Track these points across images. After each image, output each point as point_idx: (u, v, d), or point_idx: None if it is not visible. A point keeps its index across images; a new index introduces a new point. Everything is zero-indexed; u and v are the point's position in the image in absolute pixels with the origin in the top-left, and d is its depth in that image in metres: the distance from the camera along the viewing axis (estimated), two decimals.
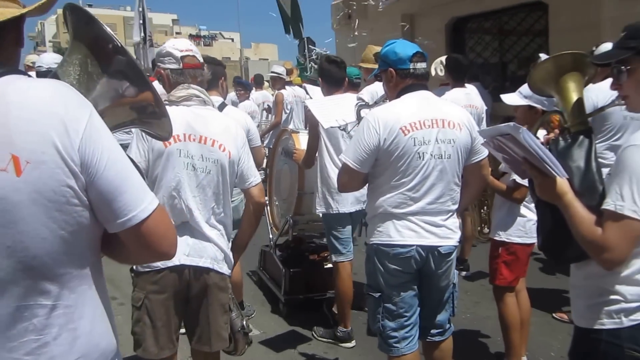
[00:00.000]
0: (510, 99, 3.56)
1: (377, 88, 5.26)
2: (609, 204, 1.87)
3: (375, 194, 3.03)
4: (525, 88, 3.56)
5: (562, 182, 1.97)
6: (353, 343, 4.41)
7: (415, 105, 2.96)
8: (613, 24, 7.63)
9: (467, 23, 11.32)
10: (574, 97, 2.22)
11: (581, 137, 2.10)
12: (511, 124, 1.93)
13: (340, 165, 3.11)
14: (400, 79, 3.03)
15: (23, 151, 1.23)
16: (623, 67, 1.99)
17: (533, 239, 3.56)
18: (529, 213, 3.61)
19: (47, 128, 1.25)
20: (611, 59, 2.04)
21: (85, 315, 1.33)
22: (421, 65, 3.02)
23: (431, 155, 2.91)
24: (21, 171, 1.22)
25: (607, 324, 1.97)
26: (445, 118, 2.97)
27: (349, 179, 3.05)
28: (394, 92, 3.08)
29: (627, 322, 1.93)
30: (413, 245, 2.95)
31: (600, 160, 2.13)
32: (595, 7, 8.08)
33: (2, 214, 1.23)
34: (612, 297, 1.96)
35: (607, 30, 7.76)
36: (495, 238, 3.73)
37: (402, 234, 2.94)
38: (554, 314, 4.77)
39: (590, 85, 3.73)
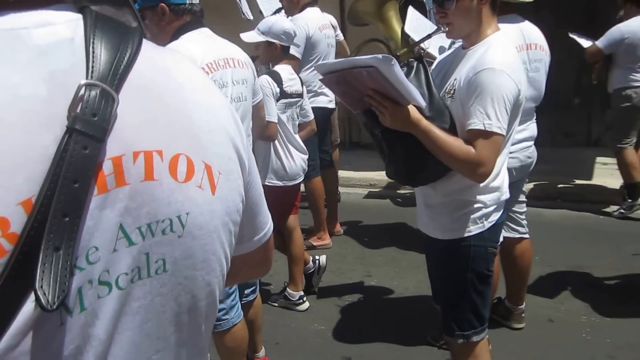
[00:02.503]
0: (249, 36, 3.70)
1: None
2: (477, 124, 2.24)
3: None
4: (262, 24, 3.77)
5: (414, 110, 2.24)
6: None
7: (205, 44, 2.82)
8: None
9: None
10: (397, 26, 2.46)
11: (416, 63, 2.36)
12: (379, 56, 2.08)
13: None
14: (175, 16, 2.79)
15: (215, 157, 0.90)
16: None
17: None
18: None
19: (225, 122, 0.94)
20: None
21: None
22: (197, 1, 2.85)
23: (232, 98, 2.86)
24: (215, 186, 0.89)
25: (474, 230, 2.42)
26: (235, 57, 2.92)
27: None
28: (167, 32, 2.82)
29: (487, 224, 2.42)
30: None
31: None
32: None
33: (197, 249, 0.88)
34: (475, 206, 2.40)
35: None
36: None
37: None
38: None
39: None
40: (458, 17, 2.35)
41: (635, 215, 5.79)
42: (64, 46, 0.77)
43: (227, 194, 0.91)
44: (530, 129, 3.54)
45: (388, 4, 2.49)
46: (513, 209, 3.58)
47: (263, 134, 3.55)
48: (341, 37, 5.79)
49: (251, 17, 5.64)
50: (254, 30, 3.77)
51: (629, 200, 5.86)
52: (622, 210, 5.85)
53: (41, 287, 0.67)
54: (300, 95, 4.04)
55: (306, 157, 4.12)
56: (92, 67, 0.77)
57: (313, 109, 4.48)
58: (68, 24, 0.79)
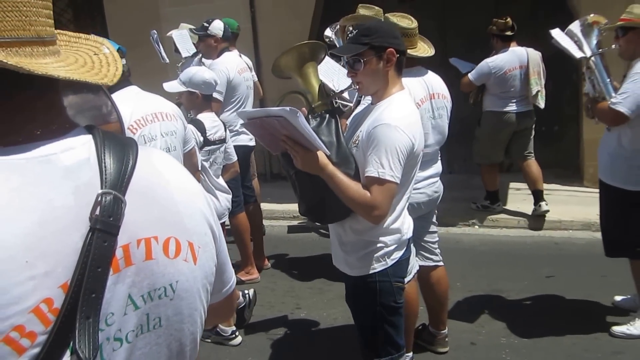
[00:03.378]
0: (171, 86, 3.96)
1: None
2: (372, 172, 2.58)
3: None
4: (183, 75, 4.05)
5: (323, 156, 2.55)
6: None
7: (133, 101, 3.04)
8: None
9: None
10: (314, 82, 2.75)
11: (327, 116, 2.69)
12: (287, 108, 2.38)
13: None
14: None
15: (195, 235, 1.19)
16: (360, 59, 2.58)
17: None
18: None
19: (200, 205, 1.23)
20: (350, 53, 2.66)
21: None
22: (125, 62, 3.07)
23: (161, 150, 3.07)
24: (197, 258, 1.18)
25: (378, 267, 2.77)
26: (162, 110, 3.15)
27: None
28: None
29: (390, 262, 2.75)
30: None
31: None
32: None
33: (184, 308, 1.17)
34: (378, 245, 2.75)
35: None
36: None
37: None
38: None
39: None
40: (366, 77, 2.70)
41: (546, 239, 6.28)
42: (83, 164, 1.06)
43: (205, 262, 1.22)
44: (436, 166, 3.92)
45: (308, 63, 2.79)
46: (425, 239, 3.95)
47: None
48: (255, 78, 6.20)
49: (167, 61, 5.90)
50: (176, 80, 4.00)
51: (488, 202, 7.00)
52: (479, 205, 7.03)
53: (79, 346, 0.95)
54: (224, 140, 4.30)
55: (230, 196, 4.34)
56: (105, 178, 1.05)
57: (235, 147, 4.76)
58: (84, 146, 1.08)
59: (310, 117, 2.71)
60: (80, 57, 1.16)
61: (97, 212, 1.01)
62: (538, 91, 6.48)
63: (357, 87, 2.75)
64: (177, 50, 6.15)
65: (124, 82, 3.01)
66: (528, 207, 6.82)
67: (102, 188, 1.04)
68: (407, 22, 3.70)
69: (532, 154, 6.79)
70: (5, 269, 0.91)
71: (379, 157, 2.55)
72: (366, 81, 2.72)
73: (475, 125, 6.91)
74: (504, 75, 6.44)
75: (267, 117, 2.48)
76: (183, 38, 6.00)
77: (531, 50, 6.54)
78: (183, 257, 1.15)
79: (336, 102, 4.11)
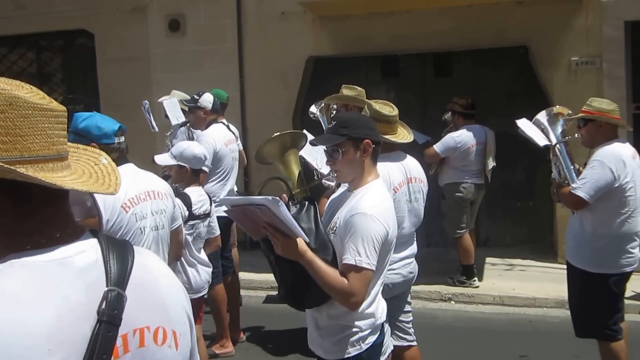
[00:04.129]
0: (162, 159, 4.11)
1: None
2: (349, 259, 2.70)
3: None
4: (174, 149, 4.21)
5: (302, 242, 2.68)
6: None
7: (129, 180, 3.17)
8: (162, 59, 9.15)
9: None
10: (295, 169, 2.92)
11: (307, 203, 2.83)
12: (269, 197, 2.53)
13: None
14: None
15: (177, 325, 1.39)
16: (338, 149, 2.76)
17: None
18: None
19: (181, 299, 1.44)
20: (329, 143, 2.83)
21: None
22: (124, 139, 3.24)
23: (150, 228, 3.20)
24: (178, 344, 1.37)
25: (352, 352, 2.86)
26: (154, 189, 3.28)
27: None
28: None
29: (364, 346, 2.85)
30: None
31: None
32: (142, 41, 9.14)
33: None
34: (353, 330, 2.86)
35: (157, 63, 9.15)
36: None
37: None
38: None
39: None
40: (344, 166, 2.87)
41: (520, 316, 6.40)
42: (92, 265, 1.26)
43: (183, 348, 1.41)
44: (411, 247, 4.08)
45: (289, 150, 2.96)
46: (400, 318, 4.07)
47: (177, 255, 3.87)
48: (241, 147, 6.41)
49: (157, 130, 6.09)
50: (167, 153, 4.16)
51: (463, 277, 7.13)
52: (456, 281, 7.16)
53: None
54: (208, 215, 4.43)
55: (210, 269, 4.44)
56: (110, 277, 1.25)
57: (217, 217, 4.85)
58: (92, 249, 1.28)
59: (290, 203, 2.86)
60: (85, 169, 1.37)
61: (104, 306, 1.21)
62: (493, 166, 7.08)
63: (335, 174, 2.91)
64: (166, 116, 6.34)
65: (121, 159, 3.13)
66: (504, 284, 6.97)
67: (107, 286, 1.24)
68: (388, 109, 3.91)
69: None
70: (31, 355, 1.10)
71: (355, 245, 2.70)
72: (344, 169, 2.90)
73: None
74: (467, 150, 6.97)
75: (250, 206, 2.63)
76: (173, 106, 6.20)
77: (487, 129, 7.13)
78: (168, 344, 1.35)
79: (318, 177, 4.29)
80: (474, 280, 7.13)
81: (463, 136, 6.97)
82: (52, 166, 1.24)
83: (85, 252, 1.27)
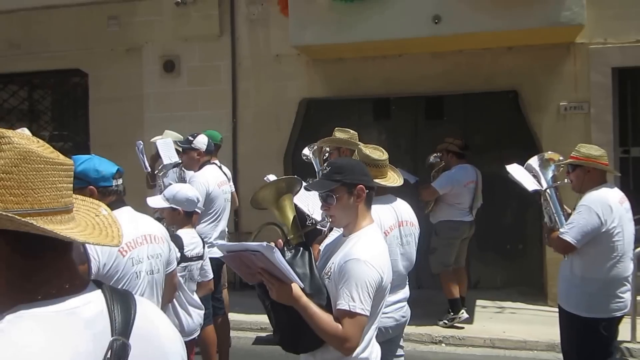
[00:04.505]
0: (155, 202, 4.16)
1: None
2: (343, 305, 2.73)
3: None
4: (167, 191, 4.27)
5: (297, 287, 2.71)
6: None
7: (126, 224, 3.20)
8: (155, 99, 9.26)
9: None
10: (290, 214, 2.96)
11: (301, 249, 2.88)
12: (264, 243, 2.59)
13: None
14: (102, 197, 3.15)
15: None
16: (333, 194, 2.81)
17: None
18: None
19: (179, 347, 1.49)
20: (323, 189, 2.89)
21: None
22: (121, 182, 3.27)
23: (146, 272, 3.22)
24: None
25: None
26: (151, 233, 3.31)
27: None
28: None
29: None
30: None
31: None
32: (136, 81, 9.27)
33: None
34: None
35: (151, 103, 9.26)
36: None
37: None
38: None
39: None
40: (338, 211, 2.92)
41: (511, 359, 6.40)
42: (98, 316, 1.31)
43: None
44: (403, 291, 4.09)
45: (284, 196, 3.01)
46: None
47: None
48: (233, 188, 6.44)
49: (149, 170, 6.14)
50: (159, 195, 4.20)
51: (451, 313, 7.17)
52: (446, 321, 7.20)
53: None
54: (201, 257, 4.46)
55: (203, 312, 4.44)
56: (115, 327, 1.31)
57: (208, 259, 4.84)
58: (98, 300, 1.33)
59: (285, 248, 2.90)
60: (88, 221, 1.42)
61: (110, 355, 1.26)
62: (481, 203, 7.41)
63: (330, 219, 2.96)
64: (159, 156, 6.38)
65: (119, 202, 3.17)
66: (494, 326, 6.98)
67: (112, 335, 1.29)
68: (378, 154, 3.99)
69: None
70: None
71: (349, 291, 2.73)
72: (338, 215, 2.96)
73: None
74: (462, 188, 7.25)
75: (245, 252, 2.67)
76: (167, 146, 6.26)
77: (476, 168, 7.44)
78: None
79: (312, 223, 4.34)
80: (462, 313, 7.16)
81: (459, 174, 7.27)
82: (60, 218, 1.28)
83: (92, 302, 1.32)
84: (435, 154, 7.57)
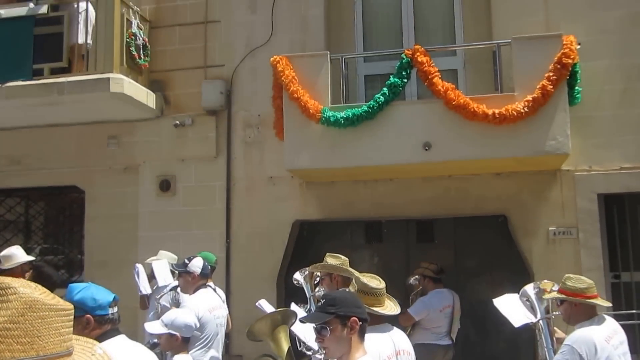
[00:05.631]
0: (152, 327, 4.22)
1: None
2: None
3: None
4: (165, 317, 4.34)
5: None
6: None
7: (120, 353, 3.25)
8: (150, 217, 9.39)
9: None
10: (285, 346, 3.05)
11: None
12: None
13: None
14: (98, 325, 3.22)
15: None
16: (327, 327, 2.91)
17: None
18: None
19: None
20: (317, 321, 2.98)
21: None
22: (116, 310, 3.34)
23: None
24: None
25: None
26: None
27: None
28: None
29: None
30: None
31: None
32: (132, 199, 9.50)
33: None
34: None
35: (146, 222, 9.40)
36: None
37: None
38: None
39: None
40: (332, 343, 3.01)
41: None
42: None
43: None
44: None
45: (279, 327, 3.11)
46: None
47: None
48: (227, 311, 6.43)
49: (149, 291, 6.18)
50: (157, 321, 4.26)
51: None
52: None
53: None
54: None
55: None
56: None
57: None
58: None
59: None
60: None
61: None
62: (458, 328, 7.47)
63: (324, 351, 3.05)
64: (154, 277, 6.44)
65: (113, 331, 3.22)
66: None
67: None
68: (376, 282, 4.10)
69: None
70: None
71: None
72: (332, 346, 3.05)
73: None
74: (439, 313, 7.31)
75: None
76: (162, 268, 6.34)
77: (454, 292, 7.54)
78: None
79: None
80: None
81: (435, 299, 7.37)
82: None
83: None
84: (414, 277, 7.70)
